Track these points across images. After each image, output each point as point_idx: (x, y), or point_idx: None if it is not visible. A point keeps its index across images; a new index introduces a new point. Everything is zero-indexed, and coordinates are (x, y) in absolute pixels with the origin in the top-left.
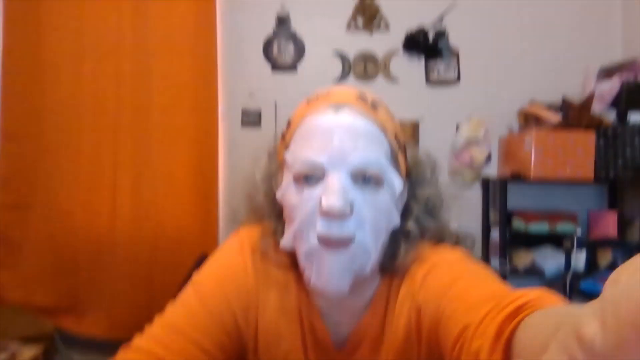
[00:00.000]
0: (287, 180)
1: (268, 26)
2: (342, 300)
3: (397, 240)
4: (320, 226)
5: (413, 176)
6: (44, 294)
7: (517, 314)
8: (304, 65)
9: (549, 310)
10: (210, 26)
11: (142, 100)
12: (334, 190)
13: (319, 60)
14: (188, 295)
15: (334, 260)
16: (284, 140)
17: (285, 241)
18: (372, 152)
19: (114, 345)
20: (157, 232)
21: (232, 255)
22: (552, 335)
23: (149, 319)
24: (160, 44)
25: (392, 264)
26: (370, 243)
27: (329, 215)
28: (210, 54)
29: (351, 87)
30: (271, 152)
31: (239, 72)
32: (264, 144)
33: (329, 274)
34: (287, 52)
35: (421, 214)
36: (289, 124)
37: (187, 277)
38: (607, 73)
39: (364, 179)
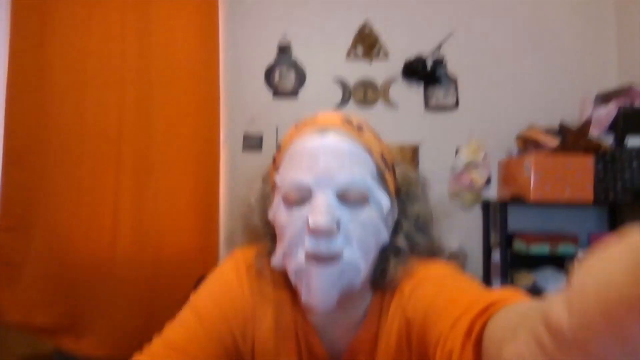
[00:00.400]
0: (277, 201)
1: (270, 54)
2: (336, 316)
3: (387, 256)
4: (309, 244)
5: (403, 194)
6: (43, 314)
7: (486, 311)
8: (304, 92)
9: (517, 305)
10: (213, 53)
11: (144, 125)
12: (320, 209)
13: (320, 87)
14: (186, 315)
15: (322, 276)
16: (274, 163)
17: (276, 260)
18: (357, 172)
19: None
20: (157, 254)
21: (228, 276)
22: (519, 324)
23: (148, 339)
24: (164, 71)
25: (382, 279)
26: (358, 259)
27: (316, 233)
28: (212, 80)
29: (337, 112)
30: (265, 176)
31: (241, 98)
32: (262, 168)
33: (317, 289)
34: (288, 79)
35: (411, 230)
36: (279, 147)
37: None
38: (604, 99)
39: (350, 198)
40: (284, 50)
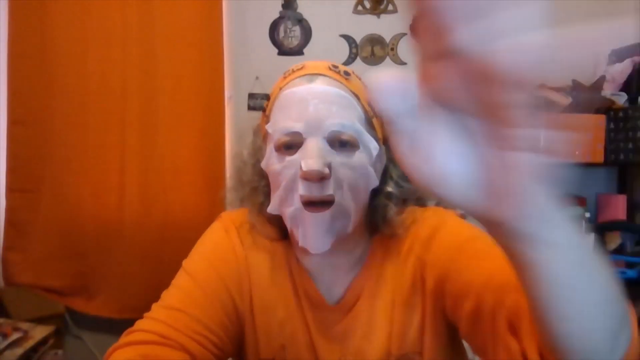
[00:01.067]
0: (269, 150)
1: (274, 9)
2: (331, 261)
3: (382, 201)
4: (302, 189)
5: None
6: (53, 276)
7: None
8: (310, 49)
9: None
10: (216, 10)
11: (149, 86)
12: (311, 154)
13: (326, 44)
14: (181, 279)
15: (317, 221)
16: (264, 113)
17: (272, 206)
18: (346, 117)
19: (125, 325)
20: (165, 215)
21: (218, 236)
22: None
23: (157, 300)
24: (166, 29)
25: (383, 224)
26: (349, 203)
27: (308, 177)
28: (216, 38)
29: (324, 60)
30: (255, 129)
31: (245, 56)
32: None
33: (312, 234)
34: (293, 35)
35: (400, 176)
36: (268, 98)
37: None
38: (618, 56)
39: (340, 142)
40: (288, 4)
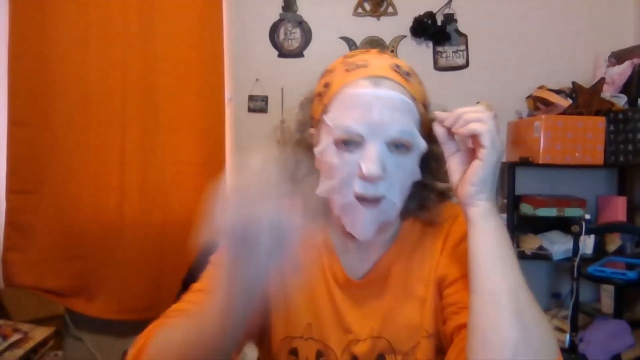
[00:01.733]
0: (326, 141)
1: (274, 11)
2: (363, 241)
3: (420, 191)
4: (358, 187)
5: (432, 136)
6: (53, 277)
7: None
8: (310, 51)
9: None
10: (217, 12)
11: (149, 87)
12: (372, 159)
13: (326, 46)
14: (208, 269)
15: (367, 214)
16: (321, 100)
17: (322, 190)
18: (406, 123)
19: (125, 326)
20: (165, 216)
21: None
22: None
23: (157, 301)
24: (167, 30)
25: (421, 211)
26: (397, 199)
27: (367, 179)
28: (216, 40)
29: (385, 57)
30: (304, 103)
31: (245, 58)
32: (270, 130)
33: (361, 224)
34: (293, 37)
35: (435, 167)
36: (327, 85)
37: (196, 261)
38: (618, 58)
39: (396, 145)
40: (289, 6)
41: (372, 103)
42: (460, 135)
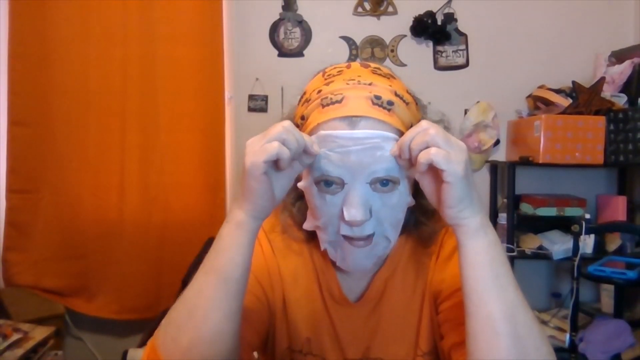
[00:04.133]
0: (307, 179)
1: (274, 11)
2: None
3: (414, 214)
4: (343, 230)
5: None
6: (53, 276)
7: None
8: (310, 51)
9: None
10: (217, 11)
11: (149, 86)
12: (354, 204)
13: (326, 45)
14: None
15: (358, 252)
16: (303, 124)
17: (308, 225)
18: (389, 160)
19: (125, 325)
20: (165, 215)
21: None
22: None
23: (157, 301)
24: (167, 29)
25: (415, 231)
26: (389, 233)
27: (352, 225)
28: (216, 39)
29: (364, 86)
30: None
31: (245, 57)
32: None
33: (352, 261)
34: (293, 37)
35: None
36: (303, 118)
37: (196, 260)
38: (618, 57)
39: (382, 182)
40: (289, 6)
41: (349, 145)
42: (418, 170)
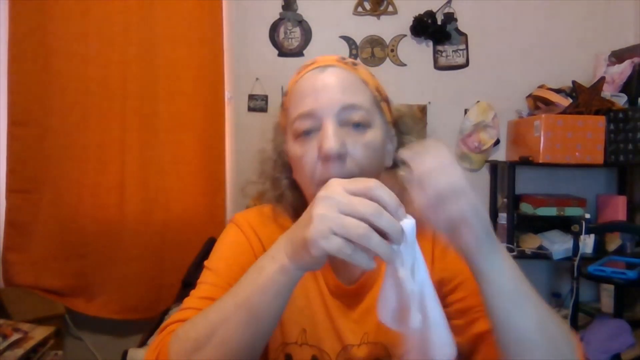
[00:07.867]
0: (290, 139)
1: (274, 10)
2: None
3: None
4: (322, 171)
5: (400, 125)
6: (53, 276)
7: None
8: (310, 50)
9: None
10: (216, 11)
11: (149, 85)
12: (328, 135)
13: (326, 45)
14: (206, 276)
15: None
16: (283, 108)
17: (296, 176)
18: (357, 99)
19: (125, 325)
20: (165, 215)
21: (234, 233)
22: None
23: (157, 301)
24: (166, 29)
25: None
26: (367, 175)
27: (328, 158)
28: (216, 39)
29: (334, 55)
30: (276, 126)
31: (245, 57)
32: (270, 130)
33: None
34: (293, 36)
35: None
36: (285, 93)
37: (196, 260)
38: (618, 57)
39: (353, 124)
40: (288, 5)
41: (320, 85)
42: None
